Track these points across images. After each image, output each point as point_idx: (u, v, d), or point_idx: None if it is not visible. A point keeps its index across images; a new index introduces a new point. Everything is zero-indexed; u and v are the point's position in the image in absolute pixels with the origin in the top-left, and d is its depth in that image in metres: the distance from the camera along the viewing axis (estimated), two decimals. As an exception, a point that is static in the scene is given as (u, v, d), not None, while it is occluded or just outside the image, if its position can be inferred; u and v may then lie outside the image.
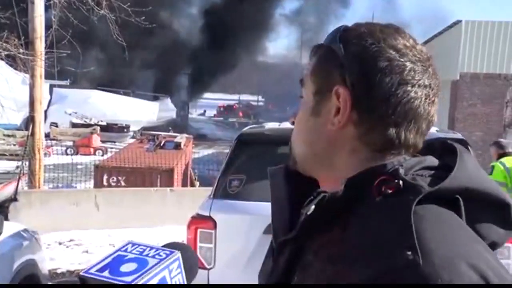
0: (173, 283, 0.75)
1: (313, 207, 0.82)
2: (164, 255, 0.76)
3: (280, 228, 0.90)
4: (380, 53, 0.79)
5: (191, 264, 0.80)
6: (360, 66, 0.80)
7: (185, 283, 0.77)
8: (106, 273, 0.73)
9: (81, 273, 0.75)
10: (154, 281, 0.73)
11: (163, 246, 0.79)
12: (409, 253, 0.69)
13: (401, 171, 0.78)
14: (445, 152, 0.84)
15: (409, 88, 0.79)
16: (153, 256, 0.76)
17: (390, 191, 0.76)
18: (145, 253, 0.77)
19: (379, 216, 0.75)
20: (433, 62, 0.83)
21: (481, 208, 0.79)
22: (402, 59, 0.79)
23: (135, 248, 0.78)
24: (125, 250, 0.78)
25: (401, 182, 0.76)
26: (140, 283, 0.71)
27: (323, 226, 0.81)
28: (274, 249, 0.90)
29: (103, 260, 0.77)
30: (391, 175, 0.77)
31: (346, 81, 0.80)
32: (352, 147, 0.82)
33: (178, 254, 0.77)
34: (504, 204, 0.80)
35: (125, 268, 0.74)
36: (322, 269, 0.79)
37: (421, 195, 0.74)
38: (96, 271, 0.74)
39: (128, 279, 0.72)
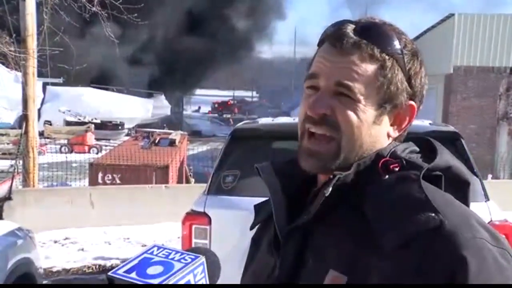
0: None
1: (330, 188, 0.85)
2: (189, 260, 0.78)
3: (282, 220, 0.92)
4: (420, 69, 0.91)
5: (214, 268, 0.82)
6: (418, 81, 0.91)
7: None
8: (133, 275, 0.75)
9: (109, 274, 0.77)
10: None
11: (186, 251, 0.82)
12: (432, 214, 0.79)
13: (398, 153, 0.89)
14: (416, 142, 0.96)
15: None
16: (179, 260, 0.77)
17: (397, 169, 0.86)
18: (170, 256, 0.79)
19: (393, 190, 0.83)
20: None
21: (454, 185, 0.90)
22: (425, 72, 0.93)
23: (160, 252, 0.80)
24: (151, 253, 0.80)
25: (404, 161, 0.87)
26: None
27: (331, 208, 0.86)
28: (280, 241, 0.91)
29: (130, 261, 0.78)
30: (391, 156, 0.88)
31: (415, 96, 0.91)
32: (384, 142, 0.92)
33: (202, 259, 0.79)
34: (468, 185, 0.92)
35: (151, 270, 0.76)
36: (339, 247, 0.84)
37: (424, 170, 0.84)
38: (124, 272, 0.76)
39: (155, 281, 0.74)
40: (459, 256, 0.75)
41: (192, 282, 0.76)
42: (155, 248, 0.81)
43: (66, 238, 7.54)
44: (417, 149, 0.93)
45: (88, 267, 6.52)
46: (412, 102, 0.91)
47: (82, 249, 7.12)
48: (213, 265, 0.82)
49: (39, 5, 9.25)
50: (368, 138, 0.88)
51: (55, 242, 7.41)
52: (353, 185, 0.86)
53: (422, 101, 0.93)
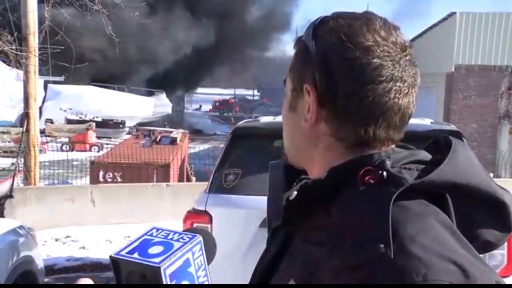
0: (196, 264, 0.81)
1: (295, 192, 0.84)
2: (187, 239, 0.81)
3: (274, 217, 0.92)
4: (344, 52, 0.78)
5: (210, 246, 0.85)
6: (325, 64, 0.79)
7: (206, 264, 0.82)
8: (136, 255, 0.78)
9: (112, 255, 0.79)
10: (180, 262, 0.78)
11: (184, 231, 0.85)
12: (382, 245, 0.68)
13: (388, 163, 0.77)
14: (447, 148, 0.81)
15: (374, 86, 0.77)
16: (178, 240, 0.81)
17: (372, 182, 0.75)
18: (169, 237, 0.82)
19: (358, 206, 0.74)
20: (410, 51, 0.81)
21: (473, 206, 0.78)
22: (367, 57, 0.77)
23: (159, 233, 0.83)
24: (151, 235, 0.83)
25: (384, 173, 0.75)
26: (167, 264, 0.76)
27: (309, 213, 0.83)
28: (268, 239, 0.93)
29: (131, 244, 0.81)
30: (377, 166, 0.77)
31: (316, 79, 0.80)
32: (327, 143, 0.83)
33: (200, 238, 0.82)
34: (501, 204, 0.78)
35: (152, 250, 0.79)
36: (308, 255, 0.80)
37: (403, 187, 0.73)
38: (126, 253, 0.79)
39: (156, 260, 0.77)
40: None
41: (191, 260, 0.80)
42: (154, 230, 0.84)
43: (67, 236, 7.55)
44: (426, 159, 0.80)
45: (89, 265, 6.53)
46: (307, 85, 0.81)
47: (83, 247, 7.14)
48: (210, 244, 0.85)
49: (40, 3, 9.24)
50: (288, 129, 0.89)
51: (56, 240, 7.43)
52: (324, 190, 0.80)
53: (353, 79, 0.78)
